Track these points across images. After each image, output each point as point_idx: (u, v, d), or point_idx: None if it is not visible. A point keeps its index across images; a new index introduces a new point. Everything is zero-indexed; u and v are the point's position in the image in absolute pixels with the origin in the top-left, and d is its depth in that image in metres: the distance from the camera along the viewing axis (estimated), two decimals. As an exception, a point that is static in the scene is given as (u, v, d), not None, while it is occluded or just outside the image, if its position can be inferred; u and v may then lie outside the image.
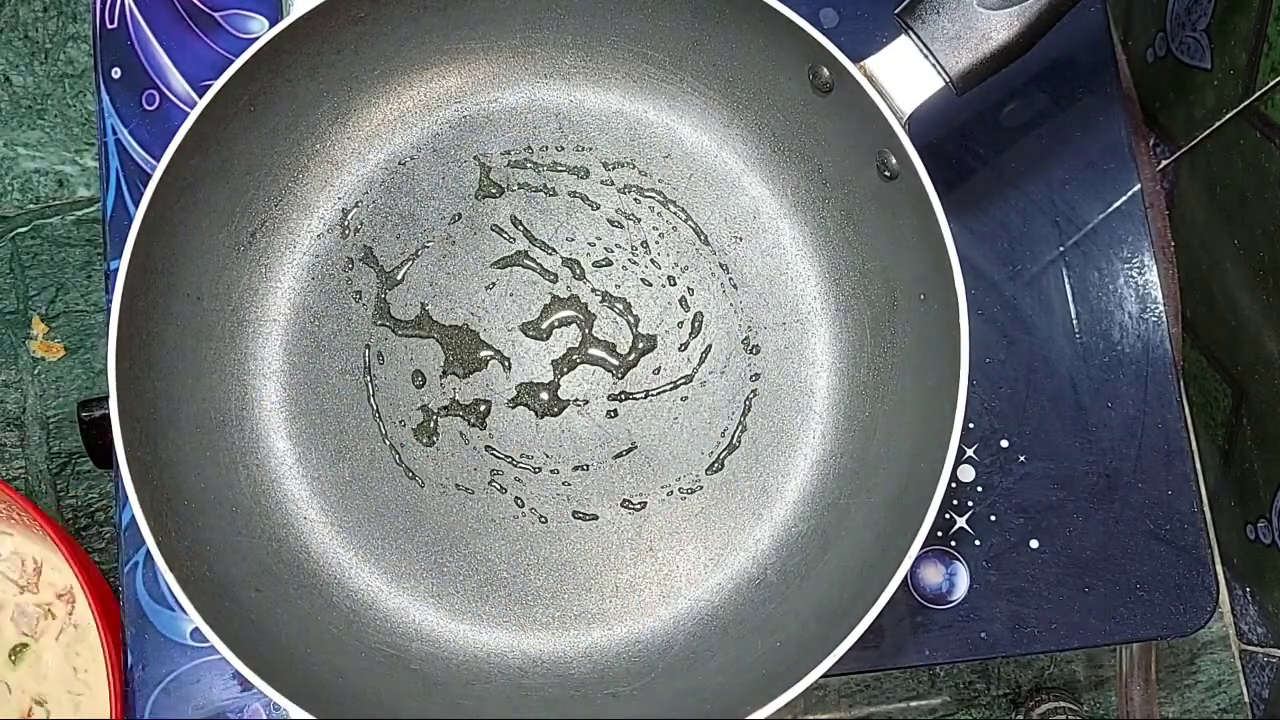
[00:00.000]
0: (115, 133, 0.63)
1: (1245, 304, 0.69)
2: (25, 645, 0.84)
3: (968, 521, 0.60)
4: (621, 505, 0.57)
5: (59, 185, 1.01)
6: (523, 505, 0.57)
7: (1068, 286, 0.63)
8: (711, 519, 0.57)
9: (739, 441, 0.57)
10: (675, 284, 0.58)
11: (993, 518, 0.60)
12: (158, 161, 0.50)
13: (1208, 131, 0.70)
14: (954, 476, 0.60)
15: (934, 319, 0.49)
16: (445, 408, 0.57)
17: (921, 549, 0.47)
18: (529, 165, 0.59)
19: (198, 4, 0.64)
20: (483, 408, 0.57)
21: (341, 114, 0.57)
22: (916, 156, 0.48)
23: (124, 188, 0.62)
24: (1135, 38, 0.77)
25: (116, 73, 0.63)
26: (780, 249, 0.58)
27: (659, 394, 0.58)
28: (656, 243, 0.59)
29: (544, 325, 0.58)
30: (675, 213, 0.59)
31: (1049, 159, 0.64)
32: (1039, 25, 0.48)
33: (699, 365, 0.58)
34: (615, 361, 0.58)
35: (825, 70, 0.50)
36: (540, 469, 0.57)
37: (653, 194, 0.59)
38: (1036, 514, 0.60)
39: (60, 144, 1.01)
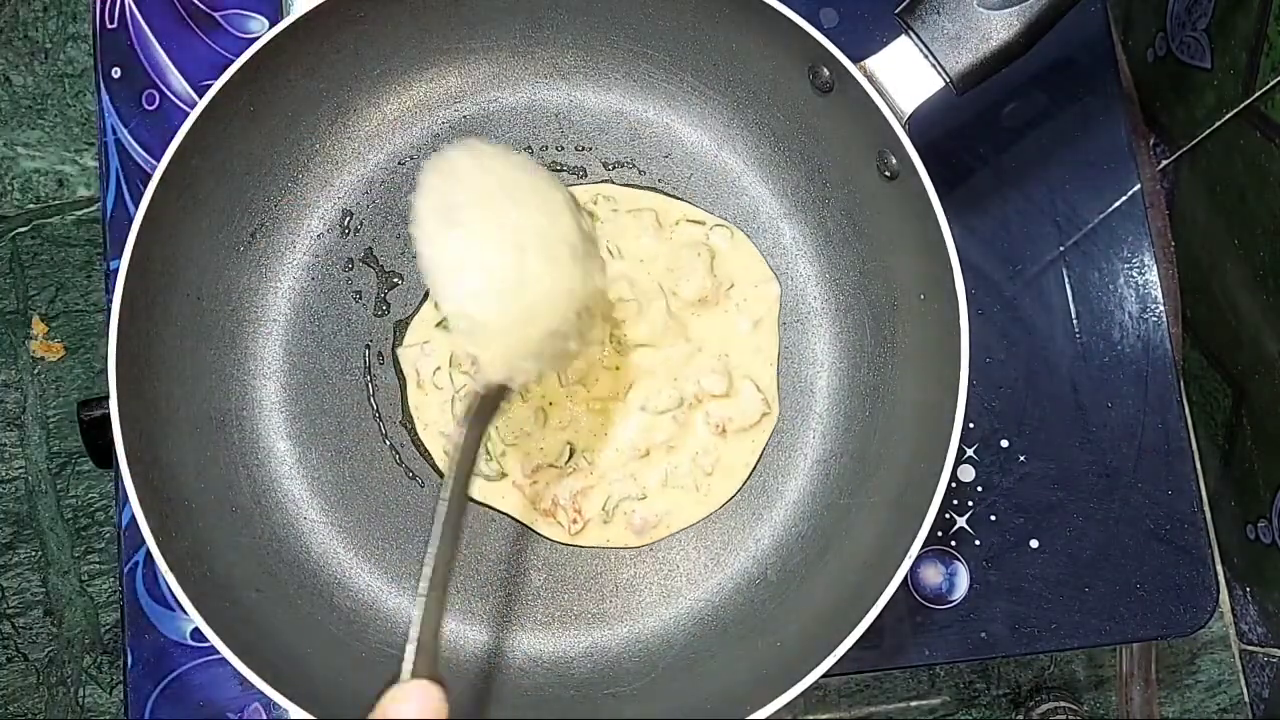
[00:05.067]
0: (115, 133, 0.63)
1: (1245, 304, 0.69)
2: None
3: (968, 521, 0.60)
4: (621, 505, 0.57)
5: (59, 185, 1.01)
6: (523, 505, 0.57)
7: (1068, 286, 0.63)
8: (712, 519, 0.56)
9: (739, 441, 0.57)
10: (675, 284, 0.58)
11: (993, 518, 0.60)
12: (158, 161, 0.50)
13: (1208, 131, 0.70)
14: (954, 476, 0.60)
15: (934, 319, 0.49)
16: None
17: (921, 549, 0.47)
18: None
19: (198, 4, 0.64)
20: (483, 408, 0.57)
21: (341, 114, 0.57)
22: (916, 156, 0.48)
23: (124, 188, 0.62)
24: (1135, 38, 0.77)
25: (116, 73, 0.63)
26: (780, 249, 0.58)
27: (659, 394, 0.58)
28: (656, 243, 0.59)
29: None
30: (675, 213, 0.59)
31: (1049, 159, 0.64)
32: (1039, 25, 0.48)
33: (699, 365, 0.58)
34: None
35: (825, 70, 0.50)
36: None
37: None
38: (1036, 514, 0.60)
39: (60, 144, 1.01)
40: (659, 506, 0.56)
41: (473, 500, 0.56)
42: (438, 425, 0.57)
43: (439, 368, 0.56)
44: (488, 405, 0.48)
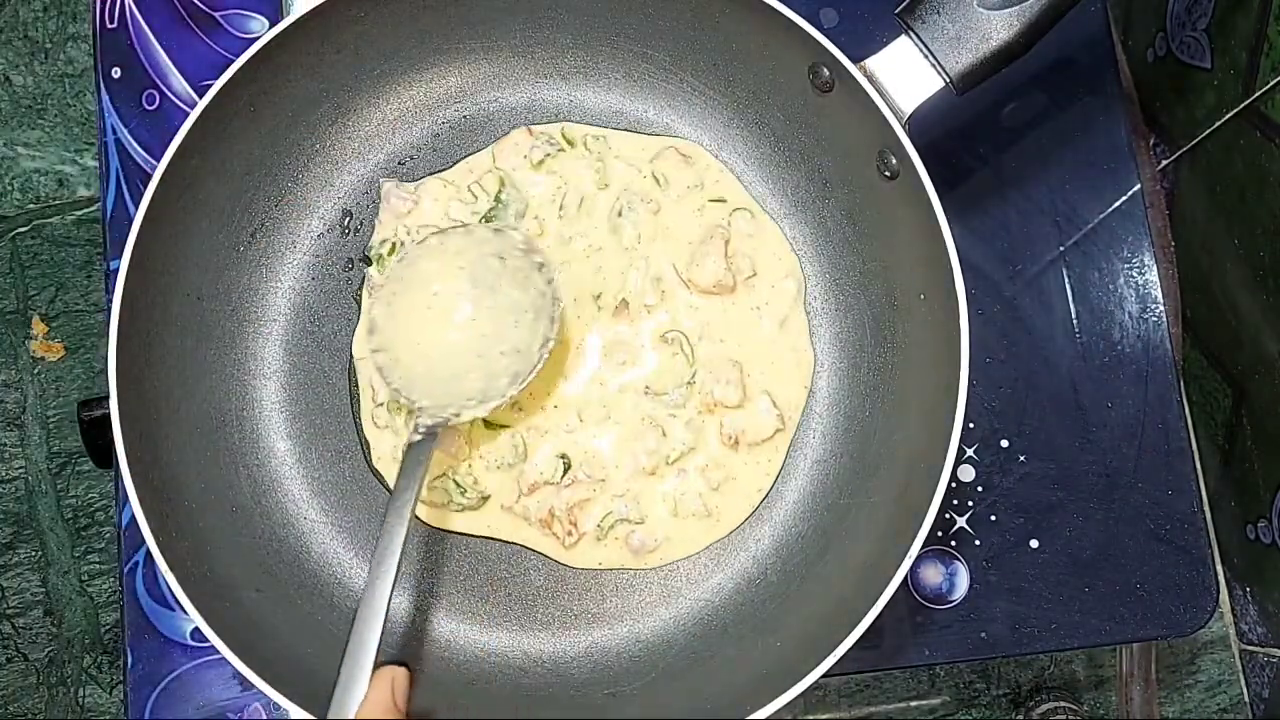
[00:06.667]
0: (115, 133, 0.63)
1: (1245, 304, 0.69)
2: None
3: (968, 521, 0.60)
4: (621, 505, 0.57)
5: (59, 185, 1.01)
6: (523, 505, 0.57)
7: (1068, 286, 0.63)
8: (711, 519, 0.56)
9: (739, 441, 0.57)
10: (675, 284, 0.58)
11: (993, 518, 0.60)
12: (158, 161, 0.50)
13: (1208, 131, 0.70)
14: (954, 476, 0.60)
15: (934, 319, 0.49)
16: (445, 408, 0.57)
17: (921, 549, 0.47)
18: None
19: (198, 4, 0.64)
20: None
21: (341, 114, 0.57)
22: (916, 156, 0.48)
23: (124, 188, 0.62)
24: (1135, 38, 0.77)
25: (116, 73, 0.63)
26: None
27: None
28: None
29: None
30: (675, 213, 0.59)
31: (1049, 159, 0.64)
32: (1039, 25, 0.48)
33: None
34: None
35: (825, 70, 0.50)
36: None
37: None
38: (1036, 514, 0.60)
39: (60, 144, 1.01)
40: (659, 532, 0.55)
41: (455, 533, 0.56)
42: (394, 456, 0.56)
43: (380, 404, 0.56)
44: (424, 449, 0.50)
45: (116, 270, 0.50)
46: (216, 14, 0.64)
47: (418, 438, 0.51)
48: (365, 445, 0.57)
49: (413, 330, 0.51)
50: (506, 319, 0.51)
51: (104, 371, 0.50)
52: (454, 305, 0.50)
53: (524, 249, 0.53)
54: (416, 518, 0.56)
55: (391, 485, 0.56)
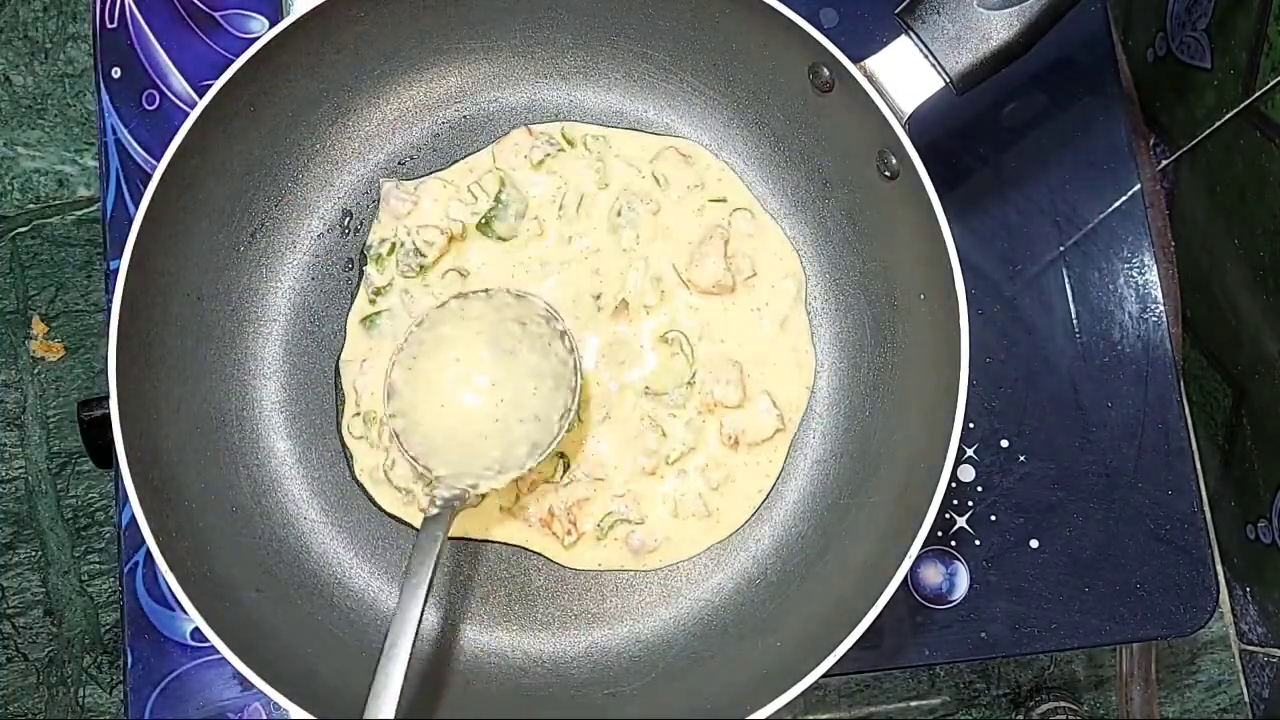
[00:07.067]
0: (115, 133, 0.63)
1: (1245, 304, 0.69)
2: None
3: (968, 521, 0.60)
4: (621, 505, 0.57)
5: (59, 185, 1.01)
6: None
7: (1068, 286, 0.63)
8: (711, 519, 0.56)
9: (739, 441, 0.57)
10: (675, 284, 0.58)
11: (993, 518, 0.60)
12: (158, 161, 0.50)
13: (1208, 131, 0.70)
14: (954, 476, 0.60)
15: (934, 319, 0.49)
16: (445, 408, 0.57)
17: (921, 549, 0.47)
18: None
19: (198, 4, 0.64)
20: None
21: (341, 114, 0.57)
22: (916, 156, 0.48)
23: (124, 188, 0.62)
24: (1135, 38, 0.77)
25: (116, 73, 0.63)
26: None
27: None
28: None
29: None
30: (675, 213, 0.59)
31: (1049, 159, 0.64)
32: (1039, 25, 0.48)
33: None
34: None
35: (825, 70, 0.50)
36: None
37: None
38: (1036, 514, 0.60)
39: (60, 144, 1.01)
40: (659, 532, 0.55)
41: (454, 538, 0.56)
42: (376, 472, 0.56)
43: (357, 413, 0.56)
44: (439, 525, 0.49)
45: (116, 270, 0.50)
46: (216, 14, 0.64)
47: (434, 512, 0.49)
48: (349, 456, 0.56)
49: (431, 395, 0.51)
50: (526, 384, 0.50)
51: (104, 371, 0.49)
52: (473, 369, 0.50)
53: (545, 315, 0.53)
54: (411, 526, 0.56)
55: (377, 500, 0.56)
